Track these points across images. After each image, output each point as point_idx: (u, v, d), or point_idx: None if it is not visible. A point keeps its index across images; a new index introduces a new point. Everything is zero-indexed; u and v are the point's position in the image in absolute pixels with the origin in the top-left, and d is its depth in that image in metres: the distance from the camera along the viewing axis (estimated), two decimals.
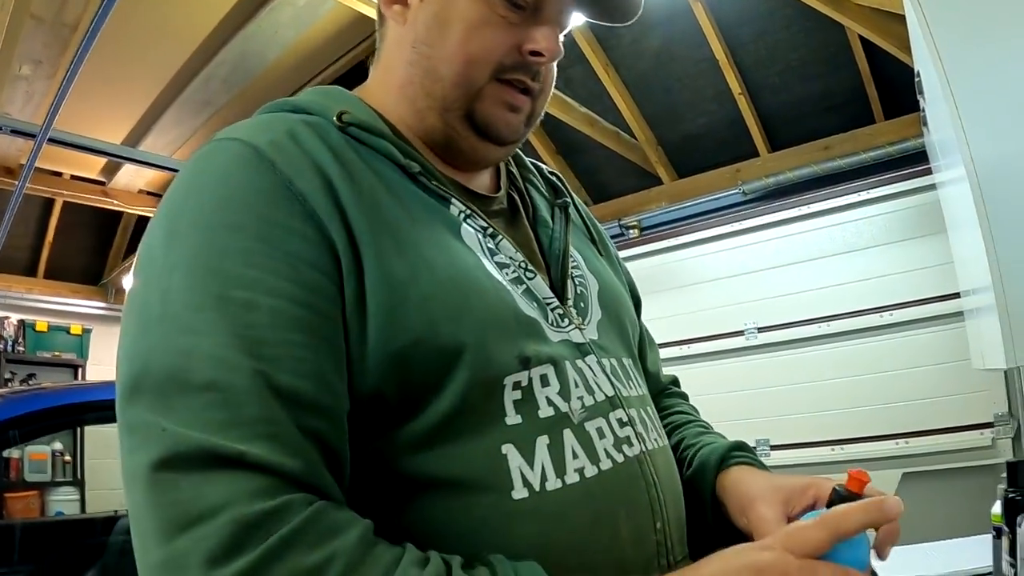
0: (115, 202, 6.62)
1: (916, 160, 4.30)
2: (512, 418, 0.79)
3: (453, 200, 0.89)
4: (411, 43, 0.92)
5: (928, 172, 3.57)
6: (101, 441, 5.79)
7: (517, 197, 1.04)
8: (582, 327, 0.93)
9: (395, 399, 0.75)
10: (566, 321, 0.91)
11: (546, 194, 1.10)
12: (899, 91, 4.53)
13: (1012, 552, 1.41)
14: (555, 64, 0.95)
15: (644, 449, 0.88)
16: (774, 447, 4.81)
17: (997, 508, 1.54)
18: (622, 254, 1.27)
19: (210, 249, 0.72)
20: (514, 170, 1.10)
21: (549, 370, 0.83)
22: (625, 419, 0.88)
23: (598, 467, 0.81)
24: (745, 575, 0.68)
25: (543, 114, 0.99)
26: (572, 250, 1.02)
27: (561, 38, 0.93)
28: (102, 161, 6.09)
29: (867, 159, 4.73)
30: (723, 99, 5.06)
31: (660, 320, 4.58)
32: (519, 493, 0.76)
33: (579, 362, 0.87)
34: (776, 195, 5.14)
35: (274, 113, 0.89)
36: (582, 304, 0.97)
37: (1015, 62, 1.83)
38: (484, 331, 0.79)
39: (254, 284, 0.70)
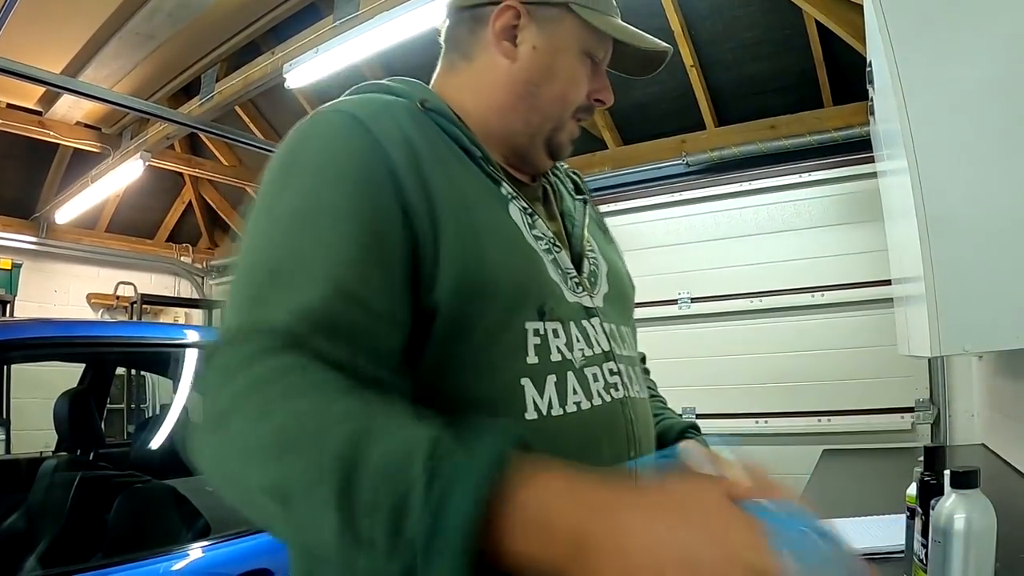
0: (52, 133, 6.41)
1: (860, 147, 4.35)
2: (531, 358, 0.98)
3: (503, 183, 1.08)
4: (523, 81, 1.15)
5: (871, 160, 3.63)
6: (28, 380, 5.66)
7: (549, 188, 1.25)
8: (592, 295, 1.13)
9: (450, 321, 0.93)
10: (580, 288, 1.11)
11: (570, 190, 1.32)
12: (850, 78, 4.59)
13: (924, 533, 1.46)
14: None
15: (627, 396, 1.09)
16: (700, 416, 4.89)
17: (912, 490, 1.59)
18: None
19: (318, 189, 0.92)
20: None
21: (559, 326, 1.03)
22: (615, 370, 1.09)
23: (591, 403, 1.02)
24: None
25: None
26: (588, 236, 1.24)
27: None
28: (40, 91, 5.87)
29: (812, 142, 4.79)
30: (675, 70, 5.06)
31: None
32: (531, 415, 0.96)
33: (584, 322, 1.08)
34: (719, 169, 5.19)
35: (371, 94, 1.09)
36: (594, 279, 1.17)
37: (965, 61, 1.87)
38: (516, 285, 0.99)
39: (344, 217, 0.89)
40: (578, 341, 1.05)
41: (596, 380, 1.05)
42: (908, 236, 2.00)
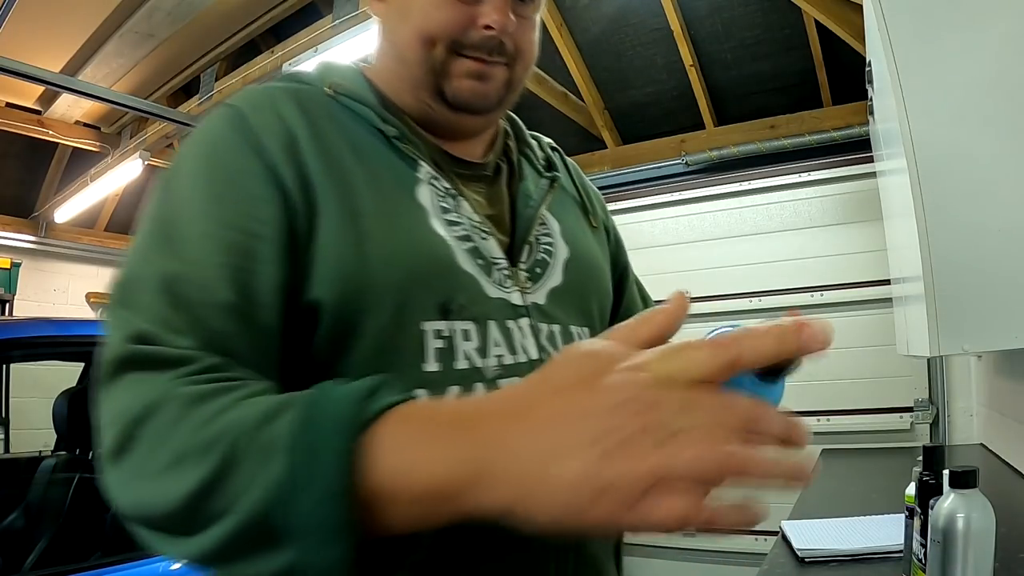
0: (51, 132, 6.39)
1: (859, 147, 4.36)
2: (430, 365, 0.85)
3: (421, 163, 0.95)
4: (386, 35, 1.03)
5: (870, 160, 3.63)
6: (27, 379, 5.66)
7: (506, 167, 1.09)
8: (527, 291, 0.96)
9: (335, 322, 0.83)
10: (510, 282, 0.95)
11: (540, 167, 1.14)
12: (849, 78, 4.58)
13: (923, 532, 1.46)
14: (531, 30, 1.02)
15: None
16: None
17: (911, 490, 1.59)
18: None
19: (192, 192, 0.84)
20: (511, 143, 1.14)
21: (471, 326, 0.88)
22: None
23: None
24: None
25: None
26: (548, 218, 1.07)
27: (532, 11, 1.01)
28: (39, 89, 5.86)
29: (811, 141, 4.78)
30: (674, 70, 5.07)
31: None
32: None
33: (510, 323, 0.92)
34: (718, 169, 5.18)
35: (280, 84, 0.97)
36: (538, 270, 1.00)
37: (964, 61, 1.87)
38: (407, 277, 0.85)
39: (217, 219, 0.82)
40: (496, 345, 0.90)
41: None
42: (907, 236, 2.00)
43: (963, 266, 1.82)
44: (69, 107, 6.28)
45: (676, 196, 5.26)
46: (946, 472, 1.41)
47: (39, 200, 7.18)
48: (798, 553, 2.03)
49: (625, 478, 0.51)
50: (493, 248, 0.95)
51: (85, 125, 6.69)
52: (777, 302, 4.83)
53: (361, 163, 0.90)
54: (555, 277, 1.01)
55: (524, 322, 0.94)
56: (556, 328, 0.98)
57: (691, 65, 4.93)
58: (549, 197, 1.09)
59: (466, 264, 0.91)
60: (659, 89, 5.32)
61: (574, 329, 1.01)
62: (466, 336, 0.87)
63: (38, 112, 6.36)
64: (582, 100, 5.49)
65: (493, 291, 0.92)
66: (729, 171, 5.11)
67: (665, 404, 0.52)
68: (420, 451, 0.58)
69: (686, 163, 5.24)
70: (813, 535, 2.15)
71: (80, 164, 6.94)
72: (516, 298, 0.94)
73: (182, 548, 0.66)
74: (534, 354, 0.93)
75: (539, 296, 0.98)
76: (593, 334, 1.03)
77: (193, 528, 0.63)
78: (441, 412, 0.63)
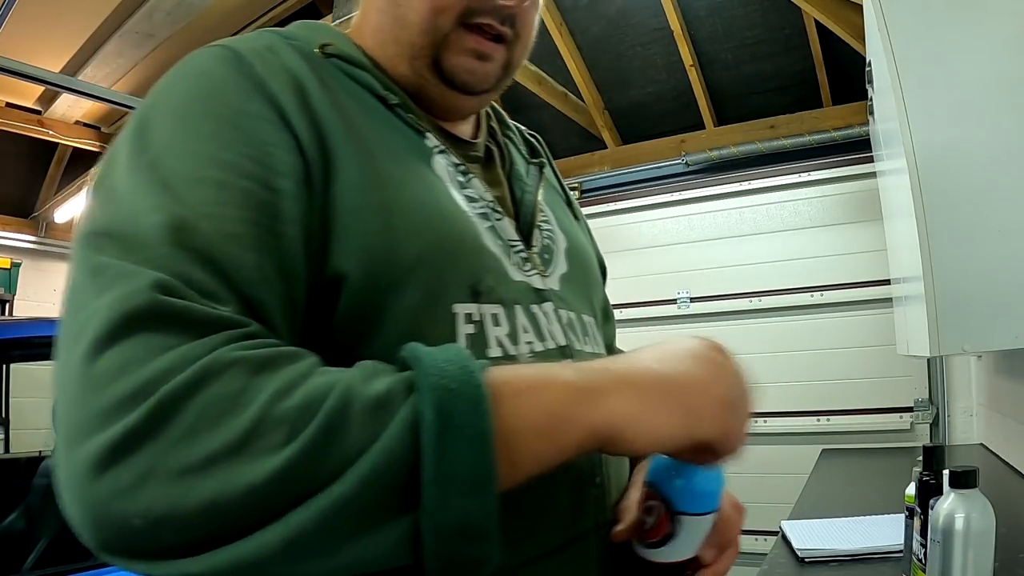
0: (51, 132, 6.38)
1: (859, 147, 4.37)
2: None
3: (428, 134, 0.88)
4: None
5: (870, 160, 3.63)
6: (27, 379, 5.65)
7: (496, 150, 1.02)
8: (544, 275, 0.92)
9: (361, 300, 0.73)
10: (528, 265, 0.90)
11: (524, 153, 1.09)
12: (849, 78, 4.59)
13: (923, 532, 1.46)
14: (534, 13, 0.94)
15: None
16: None
17: (911, 490, 1.59)
18: None
19: (186, 133, 0.71)
20: (495, 126, 1.08)
21: (499, 310, 0.81)
22: None
23: None
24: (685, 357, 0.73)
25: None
26: (543, 205, 1.02)
27: None
28: (39, 90, 5.85)
29: (812, 141, 4.79)
30: (674, 70, 5.06)
31: None
32: None
33: (534, 307, 0.87)
34: (719, 169, 5.19)
35: (263, 32, 0.86)
36: (547, 255, 0.95)
37: (964, 62, 1.87)
38: (438, 254, 0.78)
39: (225, 165, 0.69)
40: (525, 332, 0.83)
41: None
42: (907, 236, 2.00)
43: (963, 266, 1.82)
44: (69, 107, 6.27)
45: (676, 196, 5.26)
46: (946, 472, 1.41)
47: (39, 200, 7.17)
48: (798, 553, 2.03)
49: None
50: (509, 229, 0.90)
51: (85, 125, 6.68)
52: (777, 302, 4.84)
53: (373, 125, 0.82)
54: (562, 264, 0.97)
55: (548, 307, 0.89)
56: (572, 315, 0.94)
57: (691, 65, 4.93)
58: (542, 184, 1.04)
59: (490, 243, 0.85)
60: (659, 89, 5.31)
61: (585, 317, 0.98)
62: (496, 321, 0.80)
63: (38, 112, 6.35)
64: (582, 100, 5.48)
65: (516, 274, 0.86)
66: (729, 171, 5.11)
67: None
68: (546, 402, 0.63)
69: (686, 163, 5.24)
70: (813, 535, 2.15)
71: (80, 164, 6.94)
72: (537, 282, 0.89)
73: (225, 556, 0.53)
74: (561, 340, 0.88)
75: (553, 282, 0.93)
76: (596, 323, 1.02)
77: (264, 518, 0.53)
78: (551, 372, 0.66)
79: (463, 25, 0.87)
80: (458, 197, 0.84)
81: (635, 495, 0.86)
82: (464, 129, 0.99)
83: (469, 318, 0.78)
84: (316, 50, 0.85)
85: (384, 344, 0.71)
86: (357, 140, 0.78)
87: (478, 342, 0.78)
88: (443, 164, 0.86)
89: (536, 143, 1.15)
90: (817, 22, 4.40)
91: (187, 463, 0.53)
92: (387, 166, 0.78)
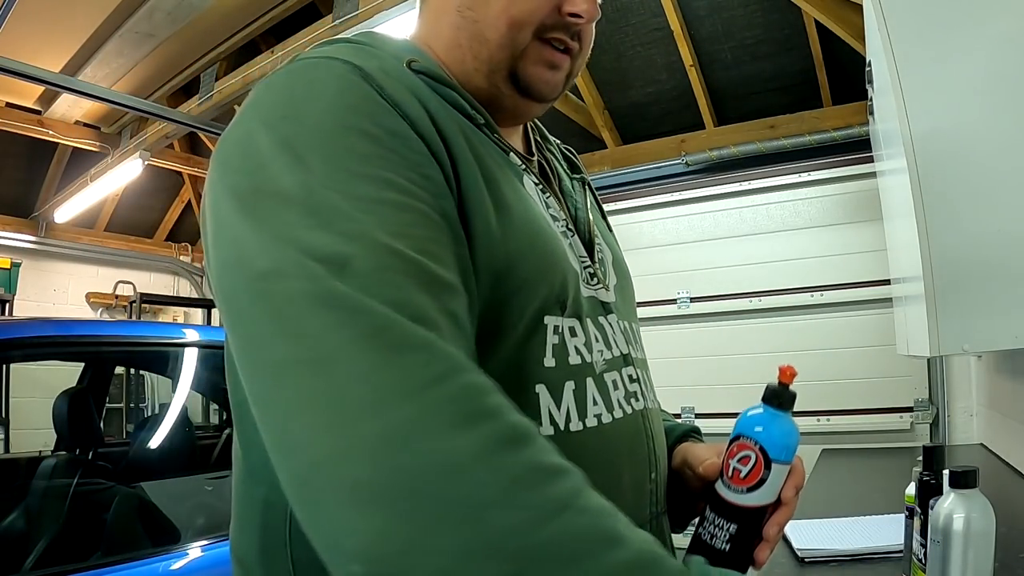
0: (51, 132, 6.39)
1: (859, 147, 4.36)
2: (548, 360, 0.84)
3: (511, 154, 0.93)
4: (456, 7, 0.94)
5: (870, 160, 3.63)
6: (27, 379, 5.65)
7: (545, 164, 1.07)
8: (606, 288, 0.99)
9: (480, 323, 0.77)
10: (595, 280, 0.97)
11: (565, 168, 1.14)
12: (849, 78, 4.59)
13: (923, 532, 1.46)
14: (594, 25, 0.98)
15: (646, 406, 0.97)
16: (699, 415, 4.91)
17: (911, 490, 1.59)
18: None
19: (349, 153, 0.72)
20: (539, 139, 1.13)
21: (575, 323, 0.88)
22: (634, 376, 0.96)
23: (612, 415, 0.89)
24: None
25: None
26: (592, 220, 1.08)
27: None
28: (39, 89, 5.85)
29: (811, 141, 4.78)
30: (674, 70, 5.07)
31: None
32: (546, 430, 0.81)
33: (601, 319, 0.94)
34: (719, 169, 5.18)
35: (353, 45, 0.87)
36: (603, 269, 1.02)
37: (964, 62, 1.87)
38: (544, 271, 0.84)
39: (400, 187, 0.71)
40: (596, 341, 0.91)
41: (616, 388, 0.91)
42: (907, 236, 2.00)
43: (963, 266, 1.82)
44: (69, 107, 6.28)
45: (676, 196, 5.26)
46: (946, 472, 1.41)
47: (39, 200, 7.18)
48: (798, 553, 2.02)
49: None
50: (579, 246, 0.97)
51: (85, 125, 6.68)
52: (777, 302, 4.84)
53: (482, 147, 0.86)
54: (612, 277, 1.04)
55: (612, 318, 0.97)
56: (625, 324, 1.01)
57: (691, 65, 4.93)
58: (588, 200, 1.10)
59: (573, 261, 0.92)
60: (659, 89, 5.32)
61: (634, 325, 1.06)
62: (572, 332, 0.88)
63: (38, 112, 6.36)
64: (582, 100, 5.49)
65: (585, 289, 0.93)
66: (729, 171, 5.11)
67: None
68: None
69: (686, 163, 5.23)
70: (813, 535, 2.14)
71: (80, 164, 6.94)
72: (603, 295, 0.97)
73: None
74: (624, 348, 0.96)
75: (611, 295, 1.00)
76: (638, 329, 1.09)
77: None
78: None
79: (538, 38, 0.93)
80: (547, 217, 0.92)
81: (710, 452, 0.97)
82: (519, 144, 1.05)
83: (556, 330, 0.85)
84: (405, 65, 0.86)
85: (503, 357, 0.79)
86: (477, 163, 0.82)
87: (561, 351, 0.85)
88: (531, 184, 0.93)
89: (573, 158, 1.20)
90: (817, 22, 4.40)
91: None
92: (501, 191, 0.84)
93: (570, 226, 0.97)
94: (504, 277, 0.79)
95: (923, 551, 1.46)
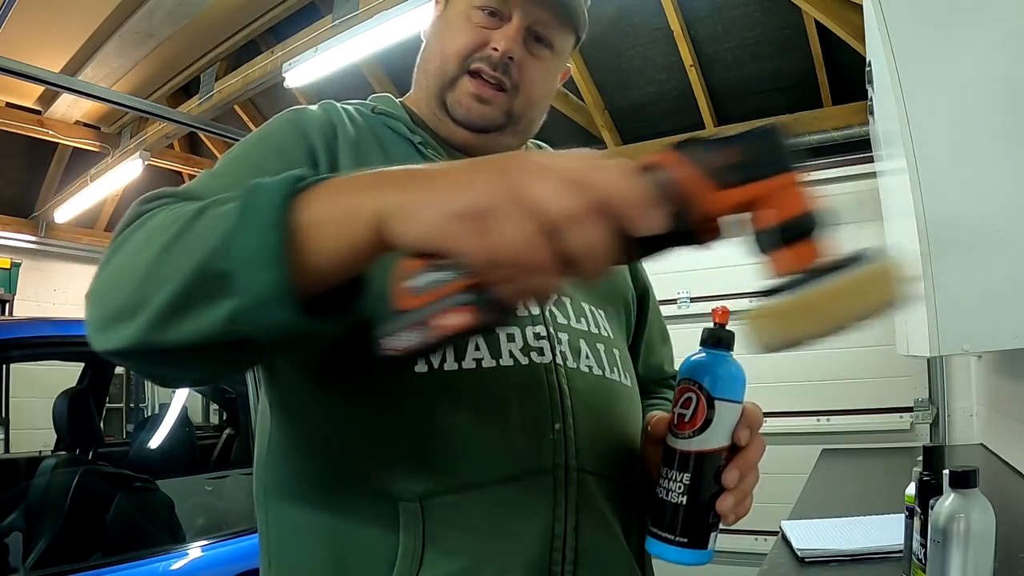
0: (51, 132, 6.40)
1: (859, 147, 4.37)
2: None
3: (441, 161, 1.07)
4: (422, 52, 1.16)
5: (870, 160, 3.63)
6: (27, 379, 5.66)
7: None
8: None
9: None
10: None
11: None
12: (849, 78, 4.59)
13: (923, 532, 1.46)
14: (537, 70, 1.10)
15: (559, 363, 1.00)
16: None
17: (911, 490, 1.59)
18: None
19: (246, 151, 1.01)
20: None
21: None
22: (543, 335, 1.00)
23: (497, 361, 0.95)
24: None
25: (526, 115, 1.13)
26: None
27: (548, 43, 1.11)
28: (39, 89, 5.86)
29: (811, 141, 4.77)
30: (674, 70, 5.07)
31: None
32: (420, 367, 0.91)
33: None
34: None
35: (358, 102, 1.16)
36: None
37: (964, 62, 1.87)
38: None
39: (254, 163, 0.96)
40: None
41: (511, 340, 0.97)
42: (908, 236, 2.00)
43: (963, 266, 1.82)
44: (69, 107, 6.29)
45: None
46: (946, 472, 1.41)
47: (39, 200, 7.18)
48: (798, 553, 2.03)
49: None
50: None
51: (85, 125, 6.69)
52: None
53: (387, 161, 0.99)
54: None
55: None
56: (565, 298, 1.08)
57: (691, 65, 4.94)
58: None
59: None
60: (659, 89, 5.32)
61: (586, 305, 1.12)
62: None
63: (38, 112, 6.36)
64: (582, 100, 5.49)
65: None
66: None
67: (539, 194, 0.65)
68: (341, 196, 0.70)
69: None
70: (813, 535, 2.15)
71: (80, 164, 6.95)
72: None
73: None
74: (535, 311, 1.02)
75: None
76: (606, 316, 1.15)
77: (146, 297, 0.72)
78: (359, 176, 0.73)
79: (468, 72, 1.08)
80: None
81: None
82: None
83: None
84: (371, 111, 1.13)
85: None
86: (361, 161, 1.01)
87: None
88: None
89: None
90: (817, 22, 4.40)
91: (117, 256, 0.81)
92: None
93: None
94: None
95: (923, 551, 1.46)
